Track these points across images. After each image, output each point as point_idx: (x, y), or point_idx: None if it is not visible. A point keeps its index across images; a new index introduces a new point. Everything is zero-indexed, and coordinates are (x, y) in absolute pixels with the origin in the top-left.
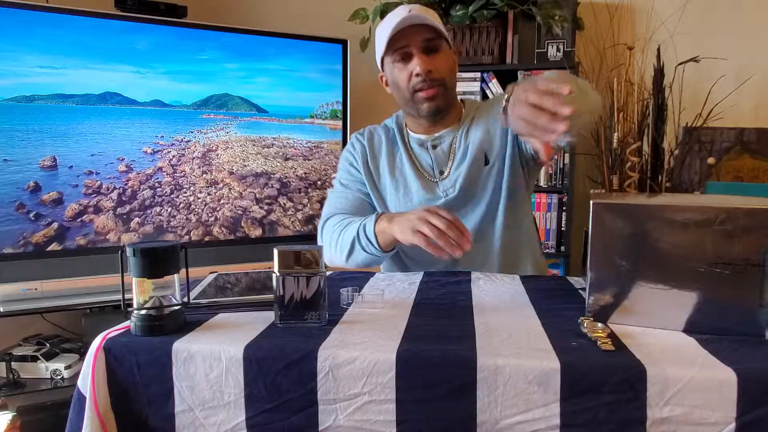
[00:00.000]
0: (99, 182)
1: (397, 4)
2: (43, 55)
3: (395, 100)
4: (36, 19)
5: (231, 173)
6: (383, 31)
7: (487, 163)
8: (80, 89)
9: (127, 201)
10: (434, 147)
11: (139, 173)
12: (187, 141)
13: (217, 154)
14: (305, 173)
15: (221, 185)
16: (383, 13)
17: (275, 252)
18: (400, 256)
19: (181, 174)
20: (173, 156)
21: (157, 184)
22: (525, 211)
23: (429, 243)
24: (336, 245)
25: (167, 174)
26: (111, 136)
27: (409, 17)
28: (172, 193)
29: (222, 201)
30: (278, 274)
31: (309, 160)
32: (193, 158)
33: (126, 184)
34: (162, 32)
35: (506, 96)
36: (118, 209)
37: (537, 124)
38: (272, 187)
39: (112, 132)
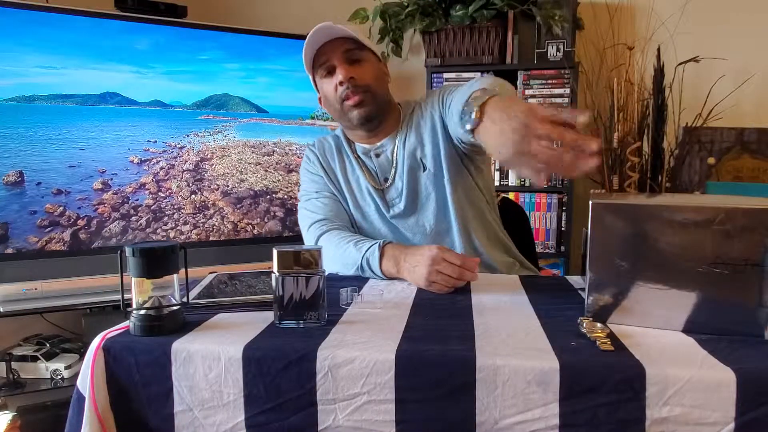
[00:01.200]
0: (62, 208)
1: (397, 5)
2: (42, 55)
3: (331, 113)
4: (36, 19)
5: (225, 194)
6: (306, 49)
7: (424, 169)
8: (80, 89)
9: (89, 238)
10: (377, 156)
11: (117, 192)
12: (181, 147)
13: (212, 165)
14: None
15: (212, 210)
16: (383, 13)
17: (274, 252)
18: None
19: (166, 193)
20: (161, 168)
21: (132, 211)
22: (478, 199)
23: (443, 289)
24: (333, 261)
25: (150, 193)
26: (98, 142)
27: (326, 28)
28: (148, 226)
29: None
30: (278, 274)
31: None
32: (183, 171)
33: (95, 210)
34: (162, 32)
35: (473, 114)
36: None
37: (561, 163)
38: (274, 216)
39: (100, 136)
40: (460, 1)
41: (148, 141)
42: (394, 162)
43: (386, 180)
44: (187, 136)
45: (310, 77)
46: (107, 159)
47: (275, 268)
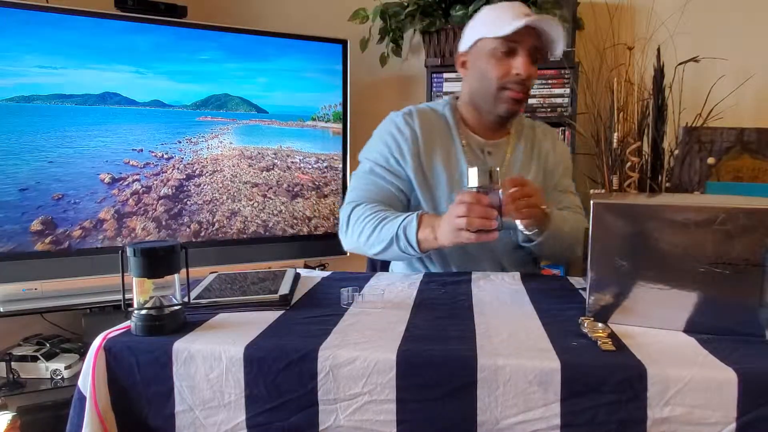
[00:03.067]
0: (62, 207)
1: (397, 5)
2: (42, 55)
3: (470, 84)
4: (36, 19)
5: (206, 241)
6: (503, 15)
7: None
8: (80, 89)
9: (89, 238)
10: (489, 153)
11: (67, 231)
12: (168, 158)
13: (198, 186)
14: (320, 224)
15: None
16: (383, 13)
17: (474, 170)
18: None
19: (129, 232)
20: (131, 194)
21: (133, 212)
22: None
23: (471, 238)
24: (367, 238)
25: (106, 233)
26: (70, 151)
27: (549, 19)
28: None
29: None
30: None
31: (324, 195)
32: (159, 199)
33: (95, 210)
34: (162, 32)
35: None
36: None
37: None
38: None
39: (79, 144)
40: (460, 1)
41: (133, 150)
42: (503, 167)
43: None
44: (179, 142)
45: (474, 35)
46: (72, 176)
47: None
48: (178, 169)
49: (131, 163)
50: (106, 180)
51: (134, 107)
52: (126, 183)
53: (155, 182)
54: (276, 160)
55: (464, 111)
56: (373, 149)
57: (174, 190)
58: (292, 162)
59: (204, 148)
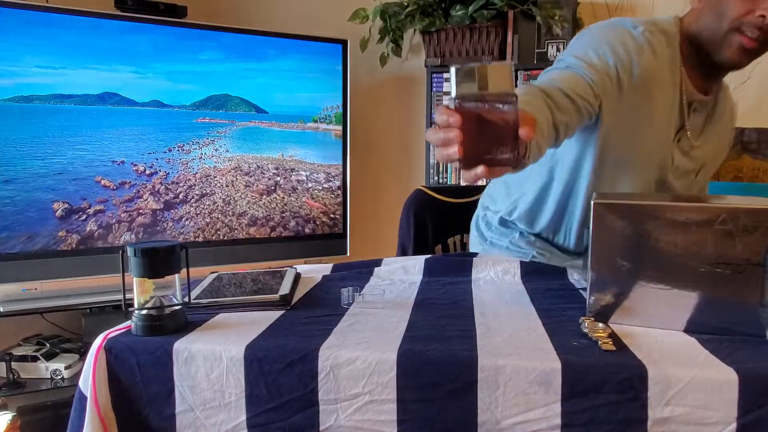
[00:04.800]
0: (62, 207)
1: (397, 5)
2: (42, 56)
3: (700, 17)
4: (36, 19)
5: None
6: None
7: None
8: (79, 89)
9: (90, 238)
10: (695, 111)
11: (67, 231)
12: (150, 174)
13: (178, 216)
14: (320, 224)
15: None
16: (383, 13)
17: (453, 71)
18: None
19: (129, 232)
20: (88, 233)
21: (132, 211)
22: None
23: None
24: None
25: (106, 233)
26: (64, 156)
27: None
28: (149, 226)
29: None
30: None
31: (332, 219)
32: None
33: (96, 209)
34: (162, 32)
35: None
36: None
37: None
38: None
39: (57, 150)
40: (460, 1)
41: (113, 162)
42: (703, 129)
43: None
44: (170, 150)
45: None
46: (71, 176)
47: (453, 92)
48: (155, 194)
49: (103, 183)
50: (59, 212)
51: (133, 107)
52: (91, 213)
53: (122, 214)
54: (278, 178)
55: (685, 51)
56: (576, 49)
57: (150, 218)
58: (298, 180)
59: (196, 158)
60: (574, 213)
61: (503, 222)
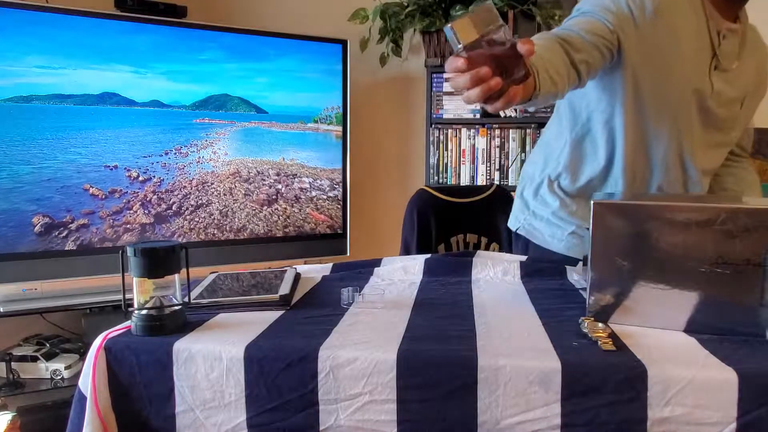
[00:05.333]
0: (62, 207)
1: (397, 5)
2: (42, 55)
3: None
4: (36, 19)
5: None
6: None
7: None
8: (79, 89)
9: (90, 238)
10: (724, 37)
11: (67, 231)
12: (144, 180)
13: (169, 229)
14: (320, 224)
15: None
16: (383, 13)
17: (447, 30)
18: None
19: (129, 232)
20: (133, 197)
21: (133, 212)
22: None
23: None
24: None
25: (106, 233)
26: (65, 156)
27: None
28: (149, 226)
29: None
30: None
31: (332, 219)
32: (160, 198)
33: (96, 209)
34: (161, 32)
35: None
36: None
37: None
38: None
39: (50, 154)
40: (460, 1)
41: (105, 167)
42: (738, 52)
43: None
44: (167, 153)
45: None
46: (72, 176)
47: (460, 43)
48: (145, 205)
49: (91, 191)
50: (40, 225)
51: (133, 108)
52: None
53: (108, 229)
54: (279, 185)
55: None
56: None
57: (138, 235)
58: (301, 189)
59: (193, 161)
60: (617, 160)
61: (550, 184)
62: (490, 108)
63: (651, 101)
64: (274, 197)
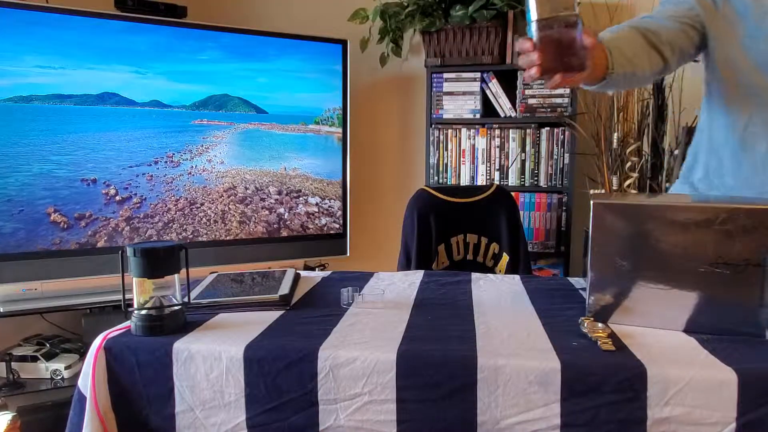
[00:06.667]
0: (62, 207)
1: (397, 5)
2: (41, 55)
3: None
4: (36, 19)
5: None
6: None
7: None
8: (79, 89)
9: (90, 238)
10: None
11: (67, 231)
12: (123, 199)
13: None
14: (320, 224)
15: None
16: (383, 13)
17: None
18: None
19: (130, 232)
20: (136, 195)
21: (133, 212)
22: None
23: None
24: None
25: (106, 233)
26: (64, 156)
27: None
28: (150, 226)
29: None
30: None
31: (332, 219)
32: (160, 197)
33: (96, 209)
34: (161, 32)
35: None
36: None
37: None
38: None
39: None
40: (460, 1)
41: (81, 180)
42: None
43: None
44: (156, 162)
45: None
46: (71, 176)
47: (535, 15)
48: (115, 236)
49: (53, 218)
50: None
51: (132, 107)
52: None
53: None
54: (281, 208)
55: None
56: None
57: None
58: (308, 215)
59: (184, 172)
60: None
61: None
62: (549, 85)
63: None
64: (275, 225)
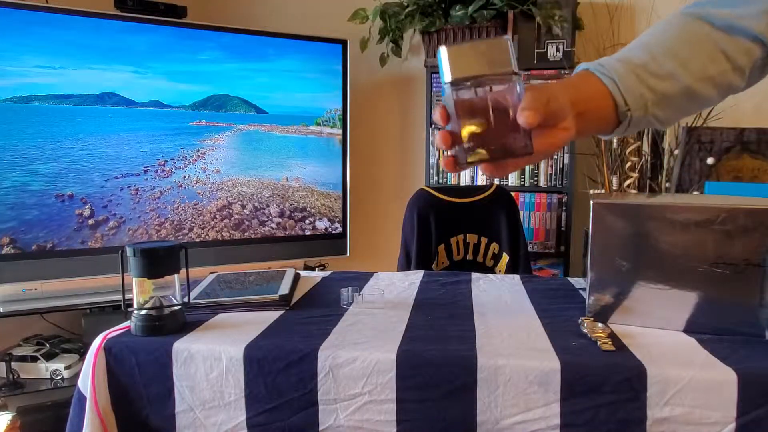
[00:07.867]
0: (62, 207)
1: (397, 5)
2: (41, 55)
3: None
4: (35, 19)
5: None
6: None
7: None
8: (78, 89)
9: (89, 238)
10: None
11: (67, 231)
12: (95, 226)
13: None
14: (320, 224)
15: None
16: (383, 13)
17: (442, 52)
18: None
19: (130, 232)
20: (137, 191)
21: (133, 212)
22: None
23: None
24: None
25: (106, 233)
26: (65, 156)
27: None
28: (149, 226)
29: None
30: (451, 81)
31: (332, 220)
32: (161, 196)
33: (97, 209)
34: (161, 32)
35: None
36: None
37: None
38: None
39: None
40: (460, 1)
41: (56, 196)
42: None
43: None
44: (145, 171)
45: None
46: (70, 176)
47: (448, 75)
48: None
49: (5, 250)
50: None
51: (131, 108)
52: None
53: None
54: (283, 232)
55: None
56: None
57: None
58: (311, 222)
59: (174, 185)
60: None
61: None
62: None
63: None
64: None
